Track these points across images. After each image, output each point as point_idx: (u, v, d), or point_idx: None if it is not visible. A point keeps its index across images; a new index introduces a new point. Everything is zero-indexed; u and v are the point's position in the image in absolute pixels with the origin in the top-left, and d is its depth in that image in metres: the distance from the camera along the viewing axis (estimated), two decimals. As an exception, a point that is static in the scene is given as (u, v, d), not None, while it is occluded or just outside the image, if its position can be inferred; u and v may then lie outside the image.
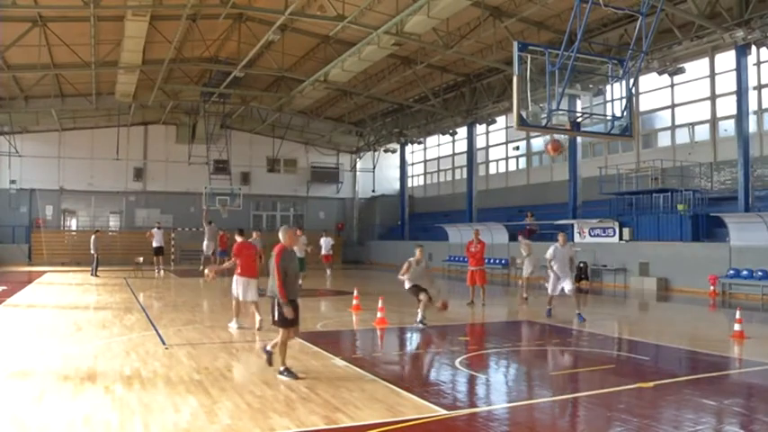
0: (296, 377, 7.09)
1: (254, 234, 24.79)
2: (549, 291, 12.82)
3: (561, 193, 25.94)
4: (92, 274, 23.43)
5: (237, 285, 10.79)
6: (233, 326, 10.93)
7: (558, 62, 10.87)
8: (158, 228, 25.86)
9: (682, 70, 20.59)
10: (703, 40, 18.85)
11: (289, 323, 7.19)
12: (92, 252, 23.79)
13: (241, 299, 10.86)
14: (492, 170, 33.27)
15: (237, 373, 7.54)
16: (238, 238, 11.37)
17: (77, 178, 34.02)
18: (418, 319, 11.38)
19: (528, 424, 5.84)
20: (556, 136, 12.77)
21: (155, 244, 25.21)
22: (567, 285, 12.51)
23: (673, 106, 23.42)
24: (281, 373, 7.18)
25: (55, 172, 33.78)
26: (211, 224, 26.24)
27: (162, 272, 24.98)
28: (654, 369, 8.43)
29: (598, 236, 22.72)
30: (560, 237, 13.13)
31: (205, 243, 25.59)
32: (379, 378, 7.24)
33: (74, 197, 34.59)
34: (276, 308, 7.14)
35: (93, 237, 24.31)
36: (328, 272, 24.40)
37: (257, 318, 10.60)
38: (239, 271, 10.80)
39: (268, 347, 7.47)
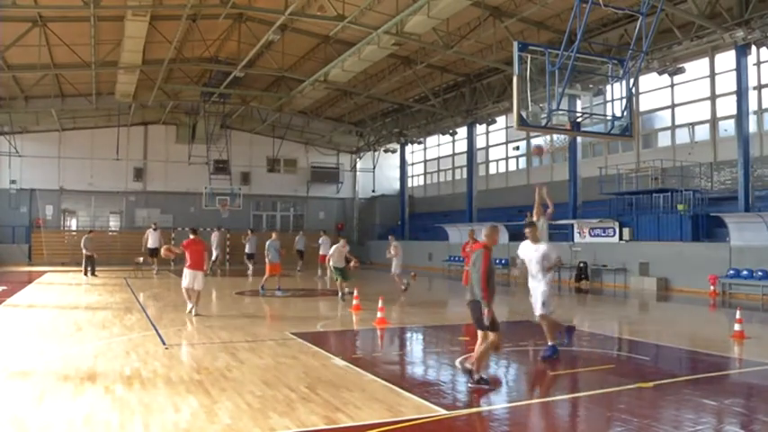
0: (489, 385, 6.84)
1: (300, 233, 25.15)
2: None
3: (561, 193, 25.90)
4: (84, 274, 23.40)
5: (186, 276, 12.45)
6: (189, 307, 12.57)
7: (558, 62, 10.87)
8: (154, 229, 25.74)
9: (682, 70, 20.59)
10: (703, 40, 18.85)
11: (497, 327, 6.86)
12: (83, 251, 23.80)
13: (186, 286, 12.49)
14: (492, 170, 33.25)
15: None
16: (191, 236, 13.03)
17: (77, 178, 34.00)
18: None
19: (528, 424, 5.84)
20: (537, 142, 12.53)
21: (149, 245, 25.08)
22: (536, 305, 8.70)
23: (673, 106, 23.41)
24: (477, 381, 6.76)
25: (55, 172, 33.77)
26: (221, 230, 26.49)
27: (155, 271, 24.89)
28: (654, 369, 8.43)
29: (598, 236, 22.73)
30: (528, 230, 8.97)
31: (213, 248, 25.75)
32: (379, 378, 7.24)
33: (74, 197, 34.56)
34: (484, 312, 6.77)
35: (84, 237, 24.36)
36: (328, 272, 24.42)
37: (195, 303, 12.51)
38: (188, 264, 12.43)
39: (468, 365, 7.04)
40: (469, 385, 6.82)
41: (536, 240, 8.77)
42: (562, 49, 10.88)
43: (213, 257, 25.59)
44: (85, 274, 23.46)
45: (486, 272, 6.69)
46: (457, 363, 7.23)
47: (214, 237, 26.14)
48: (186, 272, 12.50)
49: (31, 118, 32.21)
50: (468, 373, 6.93)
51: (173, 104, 33.07)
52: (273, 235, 17.93)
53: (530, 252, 8.77)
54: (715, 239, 19.34)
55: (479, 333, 6.96)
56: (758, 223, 17.51)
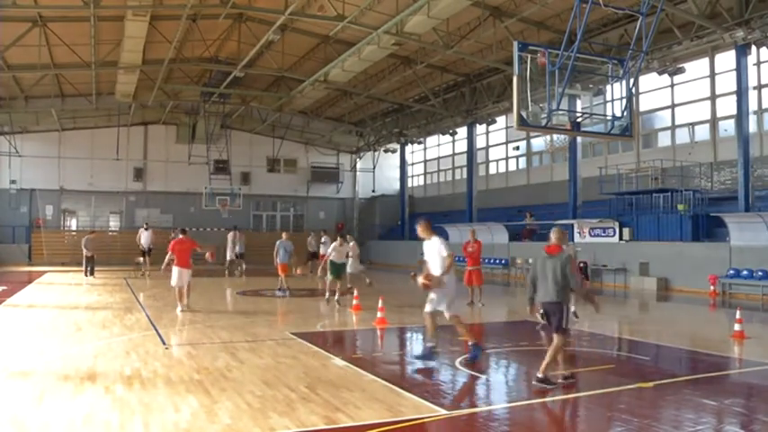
0: (553, 384, 6.84)
1: (312, 234, 25.25)
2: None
3: (561, 193, 25.94)
4: (85, 275, 23.17)
5: (174, 274, 13.15)
6: (178, 310, 13.14)
7: (558, 62, 10.88)
8: (146, 228, 25.56)
9: (682, 70, 20.60)
10: (703, 40, 18.85)
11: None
12: (83, 252, 23.53)
13: (174, 284, 13.28)
14: (492, 170, 33.27)
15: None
16: (180, 236, 13.84)
17: (77, 178, 34.03)
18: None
19: (528, 424, 5.84)
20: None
21: (143, 244, 24.96)
22: (443, 306, 8.26)
23: (673, 106, 23.42)
24: (540, 380, 6.82)
25: (55, 172, 33.79)
26: (236, 228, 26.41)
27: (147, 272, 24.72)
28: (654, 369, 8.43)
29: (598, 236, 22.72)
30: (418, 226, 8.46)
31: (228, 248, 25.62)
32: (379, 378, 7.24)
33: (74, 197, 34.59)
34: (565, 313, 6.97)
35: (85, 237, 24.15)
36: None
37: (185, 299, 13.31)
38: (176, 262, 13.17)
39: (540, 375, 6.92)
40: (534, 383, 6.86)
41: (427, 236, 8.30)
42: (562, 49, 10.88)
43: (229, 257, 25.39)
44: (86, 274, 23.39)
45: (576, 275, 7.08)
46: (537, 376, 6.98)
47: (230, 237, 25.79)
48: (174, 270, 13.26)
49: (31, 118, 32.22)
50: (545, 381, 6.91)
51: (173, 104, 33.09)
52: (284, 235, 17.80)
53: (427, 249, 8.26)
54: (715, 239, 19.34)
55: (554, 335, 7.05)
56: (758, 223, 17.50)
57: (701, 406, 6.39)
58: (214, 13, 21.58)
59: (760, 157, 19.90)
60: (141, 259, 26.18)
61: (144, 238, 24.76)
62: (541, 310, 7.11)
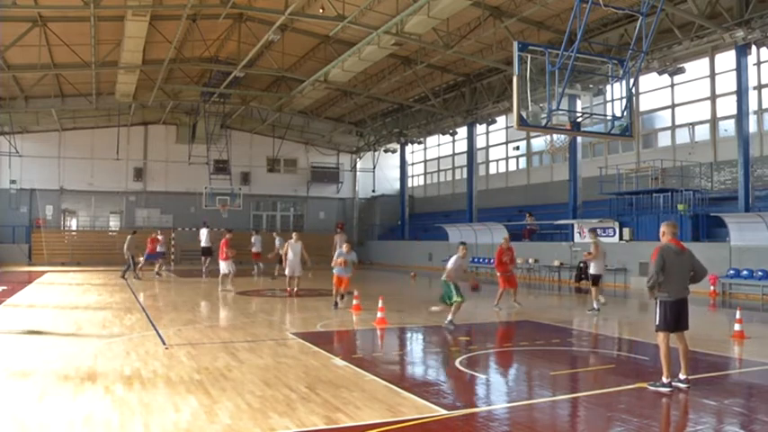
0: (670, 387, 6.70)
1: (339, 232, 25.44)
2: None
3: (561, 193, 25.93)
4: (122, 276, 22.09)
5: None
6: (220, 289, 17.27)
7: (558, 62, 10.88)
8: (205, 226, 26.50)
9: (682, 70, 20.59)
10: (703, 40, 18.85)
11: (670, 326, 7.05)
12: (126, 254, 22.18)
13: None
14: (492, 170, 33.27)
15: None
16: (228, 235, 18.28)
17: (77, 178, 34.04)
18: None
19: (528, 424, 5.83)
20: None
21: (203, 244, 25.54)
22: None
23: (673, 106, 23.41)
24: (664, 385, 6.75)
25: (55, 172, 33.80)
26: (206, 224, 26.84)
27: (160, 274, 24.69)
28: (654, 369, 8.41)
29: (598, 236, 22.66)
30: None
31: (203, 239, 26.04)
32: (379, 378, 7.24)
33: (74, 197, 34.61)
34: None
35: (128, 237, 22.69)
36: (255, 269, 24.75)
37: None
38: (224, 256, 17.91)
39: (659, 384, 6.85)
40: (684, 386, 6.84)
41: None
42: (562, 49, 10.88)
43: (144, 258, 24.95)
44: (131, 276, 22.12)
45: (654, 267, 6.88)
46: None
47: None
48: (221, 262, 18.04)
49: (31, 118, 32.25)
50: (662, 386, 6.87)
51: (173, 104, 33.10)
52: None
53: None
54: (715, 239, 19.33)
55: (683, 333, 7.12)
56: (758, 223, 17.49)
57: (700, 406, 6.39)
58: (214, 13, 21.59)
59: (760, 157, 19.89)
60: (142, 259, 26.08)
61: (204, 236, 25.15)
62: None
